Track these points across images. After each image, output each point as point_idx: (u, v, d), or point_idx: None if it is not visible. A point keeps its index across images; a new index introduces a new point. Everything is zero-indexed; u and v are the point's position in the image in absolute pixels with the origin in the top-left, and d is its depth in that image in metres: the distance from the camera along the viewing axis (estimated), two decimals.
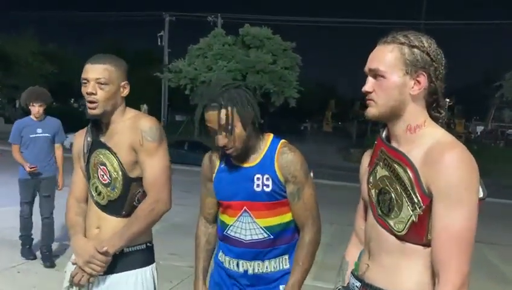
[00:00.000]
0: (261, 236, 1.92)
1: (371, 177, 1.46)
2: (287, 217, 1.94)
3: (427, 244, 1.32)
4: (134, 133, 1.86)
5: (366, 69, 1.40)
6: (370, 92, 1.38)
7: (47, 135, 4.75)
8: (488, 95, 35.73)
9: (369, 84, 1.38)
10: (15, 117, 25.61)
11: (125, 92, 1.91)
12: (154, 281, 1.97)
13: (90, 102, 1.83)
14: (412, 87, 1.35)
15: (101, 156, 1.90)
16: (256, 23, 20.78)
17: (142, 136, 1.85)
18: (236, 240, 1.95)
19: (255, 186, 1.88)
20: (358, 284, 1.48)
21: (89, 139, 1.94)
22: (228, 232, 1.96)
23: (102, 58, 1.86)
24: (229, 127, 1.78)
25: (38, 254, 4.80)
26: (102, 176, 1.90)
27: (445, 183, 1.25)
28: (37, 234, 4.83)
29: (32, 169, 4.61)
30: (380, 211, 1.41)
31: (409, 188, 1.31)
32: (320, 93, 45.98)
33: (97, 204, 1.92)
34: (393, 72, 1.34)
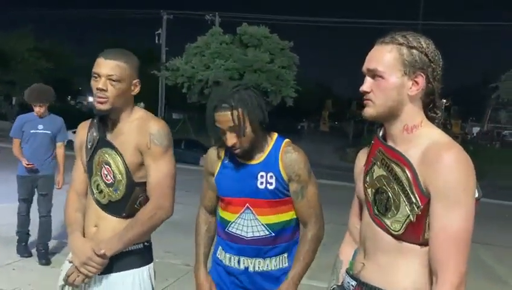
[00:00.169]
0: (262, 233, 1.94)
1: (368, 177, 1.46)
2: (288, 216, 1.97)
3: (424, 243, 1.33)
4: (142, 135, 1.82)
5: (364, 69, 1.40)
6: (368, 92, 1.38)
7: (47, 132, 4.73)
8: (485, 96, 35.88)
9: (367, 84, 1.39)
10: (11, 114, 25.51)
11: (136, 90, 1.86)
12: (151, 282, 1.92)
13: (100, 97, 1.77)
14: (410, 88, 1.36)
15: (107, 156, 1.84)
16: (254, 22, 20.78)
17: (150, 139, 1.81)
18: (237, 236, 1.96)
19: (258, 183, 1.91)
20: (353, 283, 1.48)
21: (94, 134, 1.89)
22: (229, 229, 1.98)
23: (116, 54, 1.80)
24: (239, 128, 1.81)
25: (34, 251, 4.79)
26: (106, 175, 1.85)
27: (443, 184, 1.26)
28: (34, 231, 4.82)
29: (28, 166, 4.60)
30: (376, 211, 1.42)
31: (407, 188, 1.32)
32: (318, 92, 45.98)
33: (97, 202, 1.88)
34: (391, 73, 1.35)
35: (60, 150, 4.86)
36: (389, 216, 1.37)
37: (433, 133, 1.36)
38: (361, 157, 1.57)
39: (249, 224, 1.94)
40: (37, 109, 4.66)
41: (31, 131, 4.69)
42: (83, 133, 1.96)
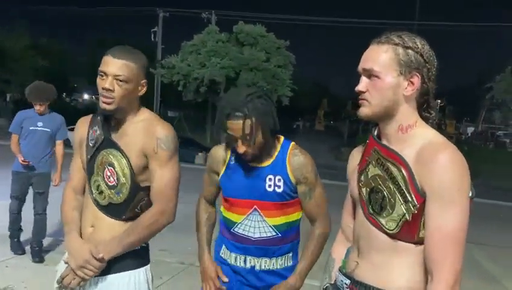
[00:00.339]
0: (269, 234, 1.98)
1: (362, 176, 1.46)
2: (293, 217, 2.02)
3: (419, 242, 1.34)
4: (148, 138, 1.77)
5: (360, 68, 1.41)
6: (364, 92, 1.39)
7: (47, 129, 4.70)
8: (479, 97, 36.01)
9: (363, 84, 1.39)
10: (5, 111, 25.35)
11: (143, 90, 1.80)
12: (147, 284, 1.87)
13: (106, 97, 1.71)
14: (406, 88, 1.36)
15: (111, 157, 1.78)
16: (250, 20, 20.77)
17: (157, 143, 1.76)
18: (243, 237, 2.00)
19: (266, 186, 1.94)
20: (347, 281, 1.49)
21: (98, 132, 1.82)
22: (236, 229, 2.01)
23: (125, 53, 1.73)
24: (251, 136, 1.83)
25: (28, 248, 4.76)
26: (109, 177, 1.79)
27: (438, 184, 1.27)
28: (29, 228, 4.78)
29: (24, 163, 4.58)
30: (371, 210, 1.42)
31: (403, 187, 1.32)
32: (314, 92, 46.06)
33: (96, 202, 1.82)
34: (387, 73, 1.35)
35: (59, 147, 4.83)
36: (384, 215, 1.37)
37: (428, 133, 1.37)
38: (355, 156, 1.58)
39: (256, 225, 1.98)
40: (37, 107, 4.63)
41: (30, 128, 4.66)
42: (83, 129, 1.90)
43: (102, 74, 1.72)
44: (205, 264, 2.10)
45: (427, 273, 1.31)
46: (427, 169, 1.29)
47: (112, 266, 1.78)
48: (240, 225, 2.00)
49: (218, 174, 2.06)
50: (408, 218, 1.32)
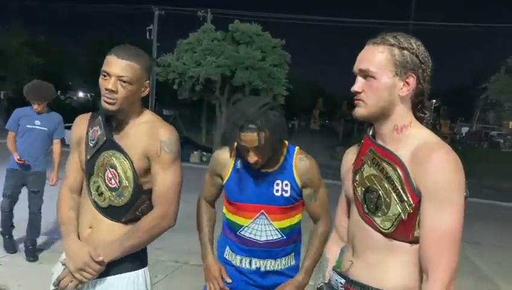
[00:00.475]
0: (276, 237, 2.03)
1: (357, 176, 1.47)
2: (296, 219, 2.08)
3: (414, 241, 1.34)
4: (151, 141, 1.73)
5: (356, 69, 1.41)
6: (359, 92, 1.39)
7: (44, 128, 4.65)
8: (474, 97, 36.20)
9: (359, 85, 1.39)
10: None
11: (146, 91, 1.76)
12: (146, 285, 1.84)
13: (108, 98, 1.67)
14: (401, 89, 1.37)
15: (113, 159, 1.74)
16: (246, 19, 20.72)
17: (161, 146, 1.73)
18: (250, 240, 2.04)
19: (274, 191, 1.99)
20: (342, 281, 1.49)
21: (99, 133, 1.78)
22: (242, 233, 2.04)
23: (129, 53, 1.69)
24: (264, 148, 1.86)
25: (22, 247, 4.74)
26: (110, 179, 1.75)
27: (432, 184, 1.28)
28: (23, 227, 4.75)
29: (20, 162, 4.53)
30: (366, 209, 1.43)
31: (399, 187, 1.33)
32: (309, 91, 46.12)
33: (95, 204, 1.78)
34: (383, 73, 1.36)
35: (56, 147, 4.79)
36: (379, 215, 1.38)
37: (423, 134, 1.38)
38: (350, 156, 1.58)
39: (262, 229, 2.02)
40: (35, 106, 4.58)
41: (27, 126, 4.61)
42: (82, 128, 1.85)
43: (105, 74, 1.68)
44: (209, 264, 2.12)
45: (422, 272, 1.32)
46: (422, 169, 1.29)
47: (110, 267, 1.74)
48: (246, 228, 2.03)
49: (221, 177, 2.08)
50: (404, 217, 1.33)
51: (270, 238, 2.03)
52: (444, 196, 1.27)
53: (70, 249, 1.75)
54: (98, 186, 1.78)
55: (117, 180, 1.75)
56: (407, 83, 1.37)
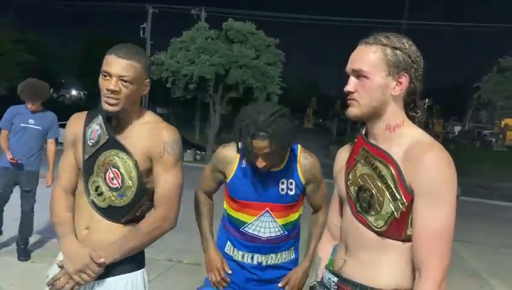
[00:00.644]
0: (278, 233, 2.08)
1: (350, 175, 1.48)
2: (296, 215, 2.14)
3: (406, 239, 1.35)
4: (154, 141, 1.72)
5: (348, 69, 1.42)
6: (352, 92, 1.40)
7: (38, 127, 4.60)
8: (467, 96, 36.42)
9: (352, 84, 1.40)
10: None
11: (146, 90, 1.76)
12: (144, 286, 1.83)
13: (111, 98, 1.65)
14: (394, 88, 1.38)
15: (116, 158, 1.72)
16: (239, 18, 20.69)
17: (164, 147, 1.71)
18: (253, 236, 2.07)
19: (279, 190, 2.03)
20: (335, 279, 1.50)
21: (99, 132, 1.75)
22: (246, 229, 2.08)
23: (129, 52, 1.66)
24: (273, 155, 1.90)
25: (14, 246, 4.70)
26: (112, 179, 1.72)
27: (425, 183, 1.29)
28: (16, 225, 4.71)
29: (12, 161, 4.48)
30: (359, 208, 1.43)
31: (392, 185, 1.34)
32: (303, 90, 46.17)
33: (93, 204, 1.75)
34: (376, 73, 1.36)
35: (51, 146, 4.74)
36: (373, 213, 1.39)
37: (415, 133, 1.39)
38: (343, 155, 1.59)
39: (266, 226, 2.06)
40: (29, 105, 4.52)
41: (21, 124, 4.56)
42: (78, 127, 1.81)
43: (106, 74, 1.65)
44: (211, 255, 2.16)
45: (414, 270, 1.33)
46: (415, 167, 1.30)
47: (108, 269, 1.71)
48: (250, 225, 2.07)
49: (224, 174, 2.11)
50: (397, 216, 1.33)
51: (273, 234, 2.07)
52: (437, 194, 1.28)
53: (69, 250, 1.71)
54: (98, 187, 1.75)
55: (119, 180, 1.72)
56: (400, 83, 1.38)
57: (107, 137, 1.74)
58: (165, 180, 1.73)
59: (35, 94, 4.52)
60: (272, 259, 2.12)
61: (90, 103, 28.28)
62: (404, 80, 1.37)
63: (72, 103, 34.86)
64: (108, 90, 1.64)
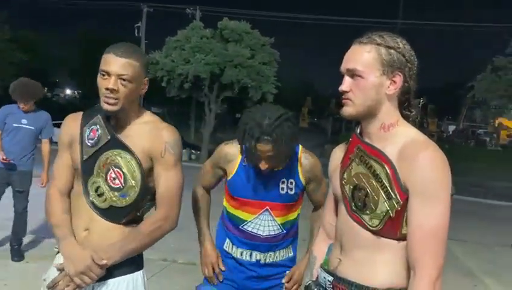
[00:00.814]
0: (277, 232, 2.10)
1: (345, 174, 1.48)
2: (295, 214, 2.16)
3: (401, 238, 1.36)
4: (156, 141, 1.71)
5: (343, 68, 1.42)
6: (347, 92, 1.40)
7: (31, 127, 4.55)
8: (461, 96, 36.58)
9: (346, 84, 1.40)
10: None
11: (145, 89, 1.74)
12: (144, 287, 1.81)
13: (110, 98, 1.63)
14: (388, 87, 1.38)
15: (119, 158, 1.69)
16: (235, 17, 20.69)
17: (165, 147, 1.70)
18: (252, 234, 2.09)
19: (280, 189, 2.05)
20: (330, 278, 1.50)
21: (100, 132, 1.73)
22: (245, 227, 2.10)
23: (128, 51, 1.65)
24: (277, 158, 1.92)
25: (7, 246, 4.68)
26: (114, 179, 1.70)
27: (420, 182, 1.29)
28: (9, 225, 4.68)
29: (4, 161, 4.45)
30: (354, 207, 1.44)
31: (386, 184, 1.34)
32: (298, 89, 46.22)
33: (93, 205, 1.72)
34: (370, 72, 1.37)
35: (45, 146, 4.69)
36: (368, 212, 1.39)
37: (410, 132, 1.39)
38: (338, 154, 1.59)
39: (265, 224, 2.08)
40: (21, 105, 4.48)
41: (14, 124, 4.51)
42: (74, 127, 1.79)
43: (104, 73, 1.63)
44: (207, 250, 2.18)
45: (409, 269, 1.34)
46: (410, 166, 1.31)
47: (109, 271, 1.69)
48: (249, 223, 2.09)
49: (225, 171, 2.13)
50: (391, 215, 1.34)
51: (272, 233, 2.09)
52: (431, 193, 1.29)
53: (70, 252, 1.68)
54: (98, 187, 1.72)
55: (122, 180, 1.70)
56: (394, 82, 1.38)
57: (109, 137, 1.72)
58: (166, 180, 1.72)
59: (27, 94, 4.47)
60: (270, 257, 2.14)
61: (85, 102, 28.17)
62: (399, 79, 1.38)
63: (67, 103, 34.70)
64: (107, 89, 1.62)
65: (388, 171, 1.34)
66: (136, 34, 27.73)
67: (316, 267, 1.63)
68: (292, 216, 2.14)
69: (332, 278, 1.49)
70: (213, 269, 2.17)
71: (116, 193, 1.71)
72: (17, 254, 4.56)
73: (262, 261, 2.14)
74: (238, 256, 2.14)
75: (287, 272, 2.18)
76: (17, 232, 4.61)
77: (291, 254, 2.22)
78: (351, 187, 1.45)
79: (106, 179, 1.71)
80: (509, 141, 35.12)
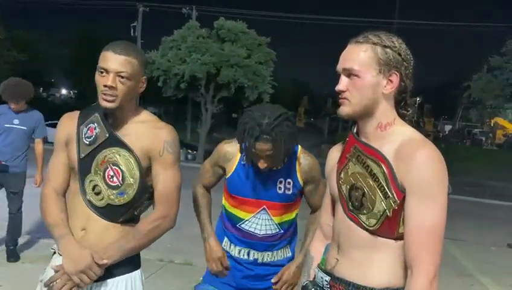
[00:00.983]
0: (274, 231, 2.11)
1: (342, 174, 1.47)
2: (293, 214, 2.17)
3: (398, 238, 1.36)
4: (154, 140, 1.71)
5: (339, 68, 1.42)
6: (344, 91, 1.40)
7: (23, 127, 4.49)
8: (457, 95, 36.73)
9: (343, 84, 1.40)
10: None
11: (143, 87, 1.73)
12: (143, 286, 1.81)
13: (108, 94, 1.63)
14: (385, 86, 1.38)
15: (117, 156, 1.69)
16: (231, 16, 20.71)
17: (164, 146, 1.70)
18: (249, 233, 2.10)
19: (277, 189, 2.06)
20: (327, 278, 1.50)
21: (98, 130, 1.72)
22: (242, 225, 2.11)
23: (126, 48, 1.65)
24: (275, 157, 1.92)
25: (3, 247, 4.65)
26: (112, 177, 1.69)
27: (416, 181, 1.29)
28: (4, 226, 4.66)
29: None
30: (351, 207, 1.43)
31: (383, 184, 1.34)
32: (294, 89, 46.31)
33: (90, 204, 1.71)
34: (367, 72, 1.37)
35: (38, 146, 4.64)
36: (365, 212, 1.39)
37: (406, 131, 1.39)
38: (335, 154, 1.59)
39: (262, 223, 2.09)
40: (12, 106, 4.42)
41: (5, 125, 4.44)
42: (71, 126, 1.77)
43: (102, 70, 1.63)
44: (211, 246, 2.18)
45: (406, 268, 1.34)
46: (407, 165, 1.31)
47: (108, 270, 1.68)
48: (247, 221, 2.10)
49: (224, 170, 2.14)
50: (389, 214, 1.34)
51: (269, 232, 2.10)
52: (428, 192, 1.29)
53: (70, 251, 1.66)
54: (95, 185, 1.71)
55: (120, 178, 1.69)
56: (391, 81, 1.38)
57: (107, 135, 1.71)
58: (165, 179, 1.72)
59: (18, 94, 4.40)
60: (267, 256, 2.15)
61: (80, 102, 28.06)
62: (395, 78, 1.38)
63: (62, 102, 34.61)
64: (105, 86, 1.62)
65: (385, 170, 1.34)
66: (132, 34, 27.68)
67: (313, 267, 1.63)
68: (290, 216, 2.15)
69: (330, 278, 1.49)
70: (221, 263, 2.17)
71: (113, 191, 1.70)
72: (13, 255, 4.53)
73: (259, 260, 2.14)
74: (236, 254, 2.16)
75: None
76: (13, 232, 4.58)
77: (289, 254, 2.23)
78: (348, 187, 1.45)
79: (104, 177, 1.70)
80: (505, 141, 35.29)
